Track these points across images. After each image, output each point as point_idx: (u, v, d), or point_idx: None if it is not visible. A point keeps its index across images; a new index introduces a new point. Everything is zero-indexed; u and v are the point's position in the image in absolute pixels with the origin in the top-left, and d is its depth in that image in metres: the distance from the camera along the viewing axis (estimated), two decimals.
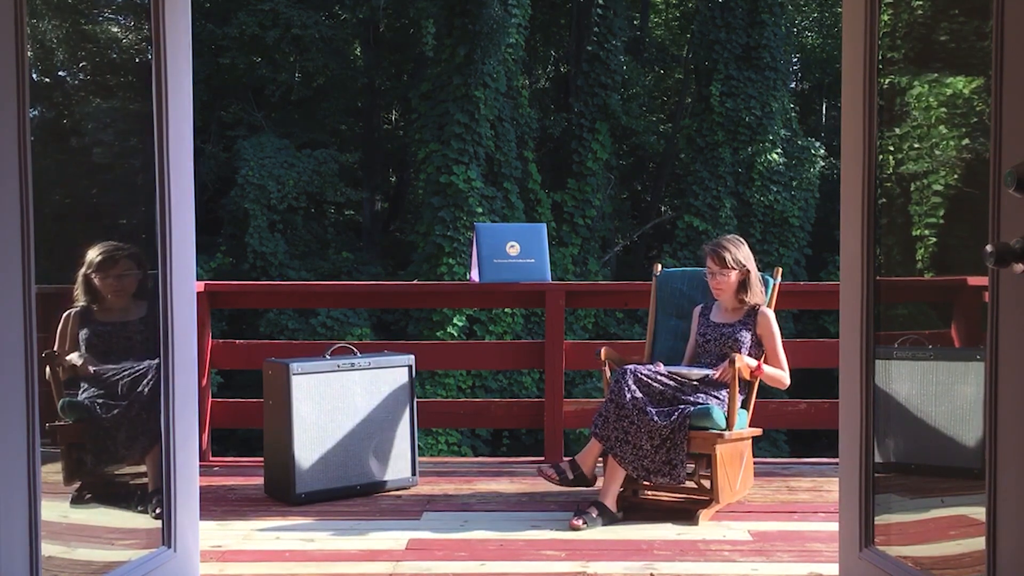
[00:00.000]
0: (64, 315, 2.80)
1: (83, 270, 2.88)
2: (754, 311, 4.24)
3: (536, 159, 17.12)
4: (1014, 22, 2.12)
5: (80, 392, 2.89)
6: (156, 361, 2.93)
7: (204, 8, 17.54)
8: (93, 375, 2.91)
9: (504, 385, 15.00)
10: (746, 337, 4.20)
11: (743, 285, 4.22)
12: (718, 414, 3.96)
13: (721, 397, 4.06)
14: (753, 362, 4.10)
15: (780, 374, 4.22)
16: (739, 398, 4.07)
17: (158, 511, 2.96)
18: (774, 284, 4.35)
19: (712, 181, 17.29)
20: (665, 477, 3.92)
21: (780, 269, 4.54)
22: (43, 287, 2.38)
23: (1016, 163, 2.02)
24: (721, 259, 4.19)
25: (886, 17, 2.87)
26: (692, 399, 4.01)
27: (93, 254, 2.90)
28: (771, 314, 4.27)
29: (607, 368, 4.25)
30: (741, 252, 4.23)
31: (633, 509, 4.08)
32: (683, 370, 4.13)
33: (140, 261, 3.02)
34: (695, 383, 4.09)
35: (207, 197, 17.14)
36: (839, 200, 2.93)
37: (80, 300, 2.86)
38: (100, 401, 2.92)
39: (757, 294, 4.24)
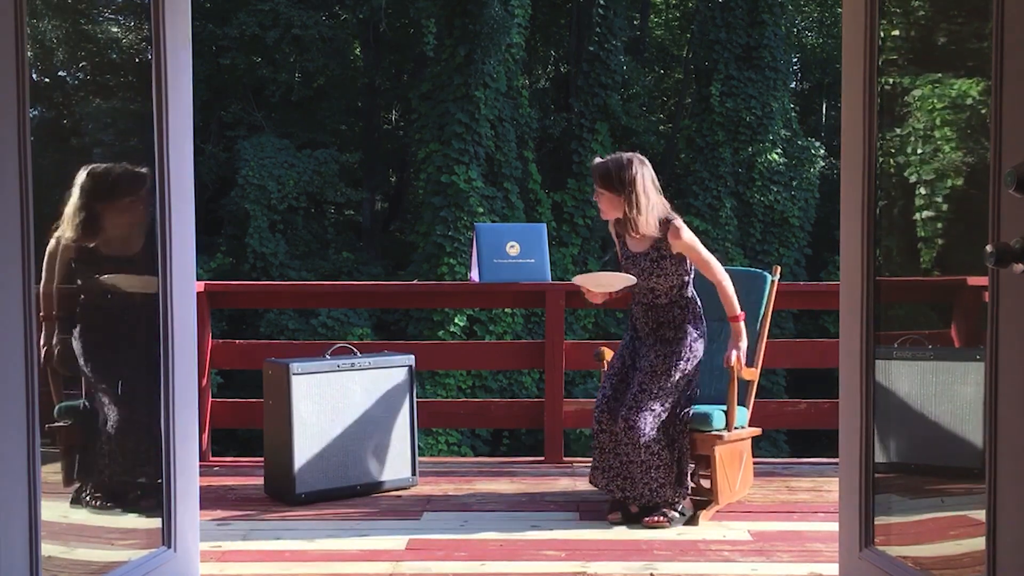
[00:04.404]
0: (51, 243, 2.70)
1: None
2: (665, 231, 3.89)
3: (536, 159, 17.12)
4: (1014, 22, 2.12)
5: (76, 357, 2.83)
6: (157, 360, 2.92)
7: (204, 8, 17.54)
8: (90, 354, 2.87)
9: (504, 385, 15.00)
10: (666, 265, 3.90)
11: (631, 211, 3.84)
12: (718, 415, 3.95)
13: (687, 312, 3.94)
14: (733, 359, 3.93)
15: (720, 281, 3.93)
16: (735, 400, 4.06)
17: (158, 511, 2.96)
18: (772, 282, 4.34)
19: (712, 181, 17.29)
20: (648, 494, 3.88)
21: (779, 268, 4.52)
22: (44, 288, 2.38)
23: (1016, 163, 2.02)
24: (594, 176, 3.91)
25: (892, 18, 2.87)
26: (669, 319, 3.93)
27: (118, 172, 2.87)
28: (681, 225, 3.88)
29: (607, 369, 4.24)
30: (626, 172, 3.84)
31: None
32: (608, 276, 3.99)
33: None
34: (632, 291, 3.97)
35: (207, 197, 17.14)
36: (839, 200, 2.93)
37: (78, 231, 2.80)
38: (99, 398, 2.92)
39: (646, 222, 3.86)
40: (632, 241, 3.98)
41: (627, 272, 3.99)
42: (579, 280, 4.05)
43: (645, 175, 3.87)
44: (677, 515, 3.88)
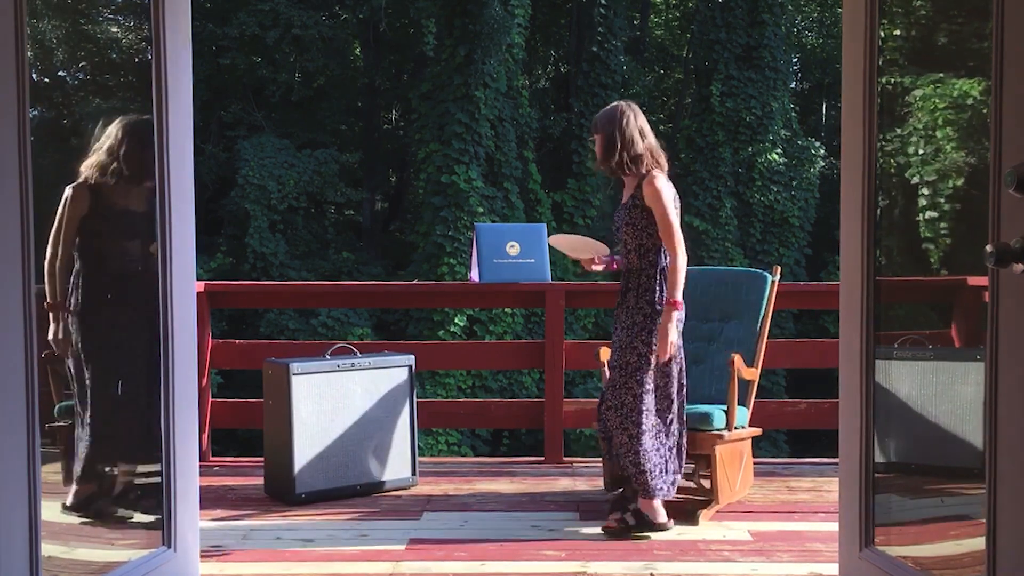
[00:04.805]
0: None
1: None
2: (642, 179, 3.83)
3: (536, 159, 17.12)
4: (1014, 22, 2.12)
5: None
6: (156, 357, 2.92)
7: (204, 8, 17.54)
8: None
9: (504, 385, 15.00)
10: (637, 216, 3.83)
11: (607, 151, 3.83)
12: (718, 415, 3.95)
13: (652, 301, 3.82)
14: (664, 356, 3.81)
15: (675, 254, 3.76)
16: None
17: (158, 511, 2.96)
18: (772, 282, 4.33)
19: (712, 181, 17.30)
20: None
21: (779, 268, 4.52)
22: (43, 287, 2.38)
23: (1016, 163, 2.02)
24: (591, 125, 3.96)
25: (893, 18, 2.87)
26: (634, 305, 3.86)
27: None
28: (659, 177, 3.81)
29: (607, 368, 4.23)
30: (610, 112, 3.87)
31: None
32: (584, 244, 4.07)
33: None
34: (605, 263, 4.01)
35: (207, 197, 17.14)
36: (839, 200, 2.93)
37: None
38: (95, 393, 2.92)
39: (617, 157, 3.82)
40: (625, 189, 3.98)
41: (614, 222, 4.02)
42: (555, 244, 4.18)
43: (629, 118, 3.84)
44: (629, 520, 3.74)
